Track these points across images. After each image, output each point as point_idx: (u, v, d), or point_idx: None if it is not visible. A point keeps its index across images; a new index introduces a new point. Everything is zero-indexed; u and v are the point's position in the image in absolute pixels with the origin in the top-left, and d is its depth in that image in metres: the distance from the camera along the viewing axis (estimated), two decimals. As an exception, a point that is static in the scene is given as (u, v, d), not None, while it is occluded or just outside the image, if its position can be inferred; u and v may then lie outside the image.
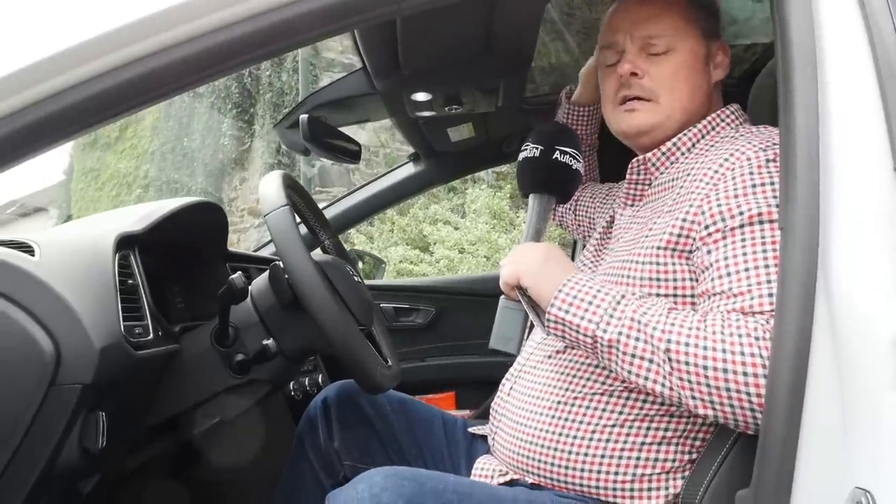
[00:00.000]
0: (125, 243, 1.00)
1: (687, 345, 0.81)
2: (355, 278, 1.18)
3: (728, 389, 0.78)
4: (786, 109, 0.75)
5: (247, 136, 6.97)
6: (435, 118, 1.69)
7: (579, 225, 1.39)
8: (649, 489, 0.92)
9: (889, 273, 0.68)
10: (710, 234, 0.89)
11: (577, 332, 0.88)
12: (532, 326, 1.12)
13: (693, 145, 1.04)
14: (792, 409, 0.71)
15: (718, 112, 1.06)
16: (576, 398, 0.97)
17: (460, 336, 2.30)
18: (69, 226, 1.12)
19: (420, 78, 1.47)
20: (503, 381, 1.15)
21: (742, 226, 0.87)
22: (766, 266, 0.84)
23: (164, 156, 8.34)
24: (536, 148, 1.05)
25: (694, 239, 0.91)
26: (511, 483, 1.01)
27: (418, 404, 1.29)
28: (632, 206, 1.11)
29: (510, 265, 0.96)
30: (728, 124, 1.04)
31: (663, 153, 1.05)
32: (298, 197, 1.25)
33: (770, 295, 0.82)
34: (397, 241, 5.52)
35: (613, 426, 0.93)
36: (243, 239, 7.33)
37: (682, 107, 1.04)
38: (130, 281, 0.95)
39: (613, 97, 1.08)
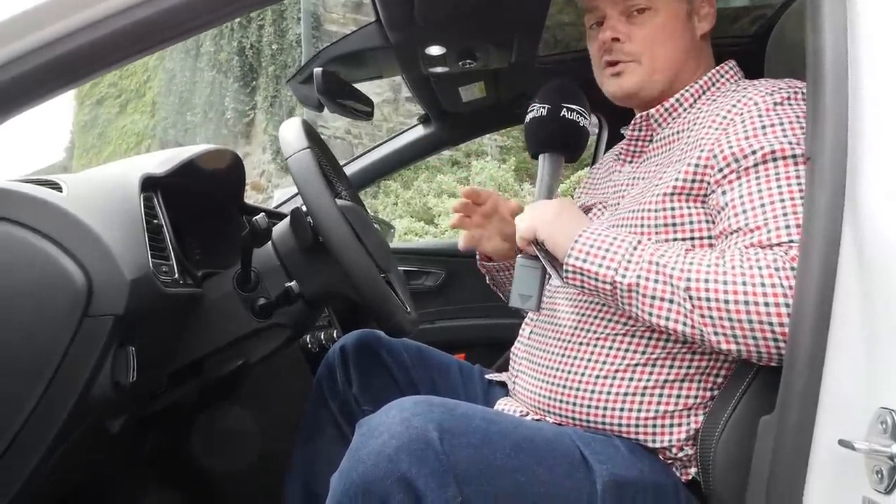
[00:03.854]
0: (149, 185, 1.01)
1: (707, 281, 0.82)
2: (373, 224, 1.19)
3: (751, 322, 0.79)
4: (814, 31, 0.75)
5: (249, 110, 6.94)
6: (447, 75, 1.69)
7: None
8: (671, 425, 0.93)
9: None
10: (724, 176, 0.90)
11: (596, 279, 0.89)
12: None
13: (696, 100, 1.05)
14: (818, 333, 0.72)
15: (718, 68, 1.07)
16: (598, 339, 0.98)
17: (470, 298, 2.31)
18: (92, 169, 1.12)
19: (434, 31, 1.46)
20: (523, 325, 1.16)
21: (756, 164, 0.88)
22: (782, 200, 0.85)
23: (167, 130, 8.31)
24: (543, 107, 1.05)
25: (709, 183, 0.92)
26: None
27: (435, 352, 1.30)
28: (631, 162, 1.12)
29: (525, 220, 0.98)
30: (728, 79, 1.06)
31: (666, 109, 1.06)
32: (317, 145, 1.25)
33: (787, 227, 0.83)
34: (402, 214, 5.52)
35: (636, 365, 0.95)
36: (247, 213, 7.33)
37: (665, 66, 1.05)
38: (155, 221, 0.96)
39: (599, 61, 1.10)
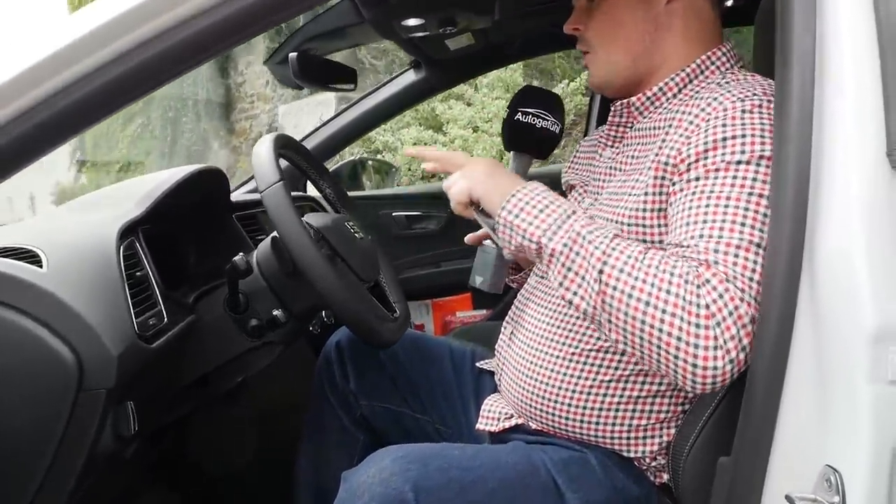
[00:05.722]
0: (128, 231, 1.02)
1: (621, 271, 0.82)
2: (356, 235, 1.20)
3: (643, 322, 0.80)
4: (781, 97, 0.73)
5: (247, 18, 6.69)
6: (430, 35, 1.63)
7: None
8: (644, 437, 0.98)
9: (872, 267, 0.69)
10: (674, 185, 0.91)
11: (524, 237, 0.89)
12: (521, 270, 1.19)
13: (679, 90, 1.02)
14: (771, 391, 0.75)
15: (709, 54, 1.02)
16: (573, 354, 1.01)
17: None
18: (70, 217, 1.12)
19: (409, 3, 1.40)
20: (504, 322, 1.19)
21: (697, 178, 0.87)
22: (706, 221, 0.84)
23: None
24: (507, 111, 1.10)
25: (668, 194, 0.93)
26: (516, 427, 1.08)
27: (429, 342, 1.35)
28: (612, 146, 1.11)
29: (458, 182, 0.97)
30: (718, 68, 1.01)
31: (648, 98, 1.03)
32: (294, 153, 1.25)
33: (697, 247, 0.82)
34: (409, 122, 5.43)
35: (609, 381, 0.98)
36: (255, 125, 7.27)
37: (620, 50, 1.05)
38: (139, 273, 0.99)
39: None
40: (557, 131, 1.09)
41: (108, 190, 1.23)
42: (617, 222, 0.96)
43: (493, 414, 1.12)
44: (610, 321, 0.83)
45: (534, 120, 1.07)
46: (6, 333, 0.84)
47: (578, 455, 0.98)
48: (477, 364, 1.30)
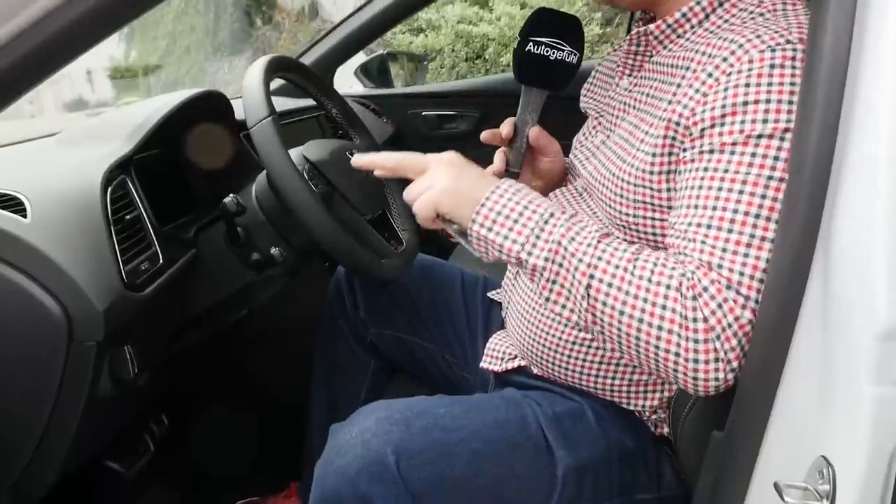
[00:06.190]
0: (118, 169, 1.00)
1: (610, 285, 0.76)
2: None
3: (638, 338, 0.75)
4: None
5: None
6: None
7: None
8: (645, 392, 0.95)
9: (893, 256, 0.61)
10: (685, 151, 0.81)
11: (500, 251, 0.81)
12: None
13: (706, 17, 0.88)
14: (769, 377, 0.70)
15: None
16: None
17: None
18: (59, 153, 1.07)
19: None
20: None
21: (711, 151, 0.77)
22: (715, 208, 0.75)
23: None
24: (516, 39, 0.98)
25: (677, 155, 0.83)
26: (519, 369, 1.06)
27: (440, 268, 1.32)
28: (629, 76, 0.99)
29: (423, 198, 0.85)
30: None
31: (669, 25, 0.91)
32: (294, 74, 1.18)
33: (704, 243, 0.75)
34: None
35: (610, 338, 0.94)
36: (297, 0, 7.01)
37: None
38: (129, 216, 0.96)
39: None
40: (575, 61, 0.98)
41: (101, 119, 1.19)
42: (623, 180, 0.88)
43: (497, 353, 1.11)
44: (603, 333, 0.78)
45: (547, 51, 0.96)
46: None
47: (575, 406, 0.96)
48: (488, 294, 1.27)
